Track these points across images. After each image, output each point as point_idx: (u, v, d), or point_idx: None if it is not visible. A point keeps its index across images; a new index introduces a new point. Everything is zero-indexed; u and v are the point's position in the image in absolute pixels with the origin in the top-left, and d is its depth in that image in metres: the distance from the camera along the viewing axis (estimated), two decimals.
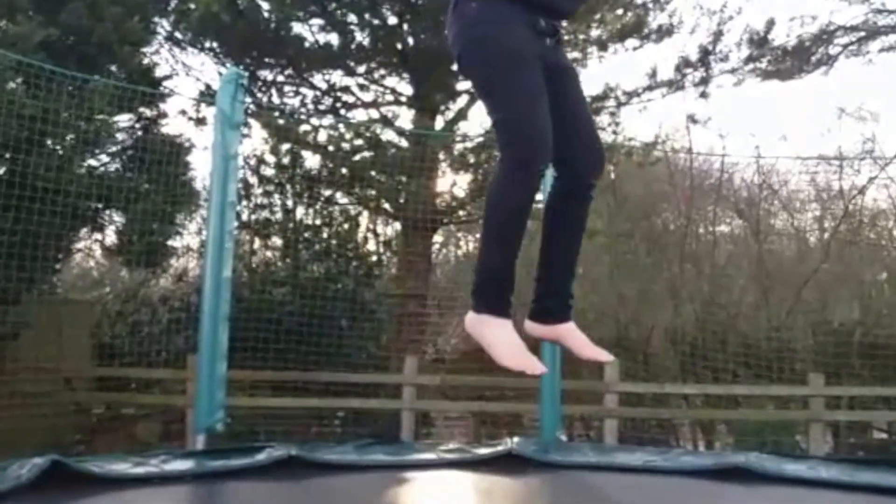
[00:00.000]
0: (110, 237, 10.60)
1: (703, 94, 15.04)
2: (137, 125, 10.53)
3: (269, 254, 13.30)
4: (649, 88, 14.92)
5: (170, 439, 10.94)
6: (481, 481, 6.12)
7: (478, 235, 18.93)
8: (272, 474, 6.03)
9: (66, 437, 10.05)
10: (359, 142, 14.08)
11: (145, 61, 11.31)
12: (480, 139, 14.51)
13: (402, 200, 13.64)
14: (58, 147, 9.03)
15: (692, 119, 15.53)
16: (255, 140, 14.25)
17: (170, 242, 10.77)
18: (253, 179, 13.25)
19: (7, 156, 8.83)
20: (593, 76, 20.68)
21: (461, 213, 14.94)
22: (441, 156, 14.16)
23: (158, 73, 11.78)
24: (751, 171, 18.10)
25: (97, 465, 5.60)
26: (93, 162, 10.08)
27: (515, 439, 7.02)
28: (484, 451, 6.78)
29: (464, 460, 6.53)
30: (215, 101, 8.34)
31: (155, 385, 11.24)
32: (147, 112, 10.61)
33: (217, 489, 5.78)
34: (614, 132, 15.31)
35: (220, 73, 14.02)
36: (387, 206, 14.14)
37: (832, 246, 16.03)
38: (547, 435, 8.14)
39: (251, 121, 13.11)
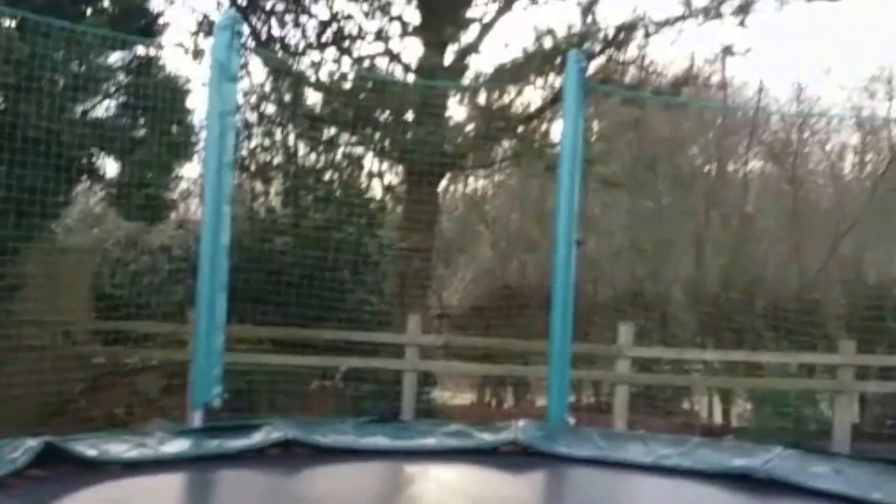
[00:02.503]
0: (108, 188, 10.83)
1: (742, 24, 14.58)
2: (132, 64, 10.68)
3: (270, 199, 13.51)
4: (682, 18, 14.65)
5: (171, 392, 11.38)
6: (482, 473, 6.46)
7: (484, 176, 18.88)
8: (269, 458, 6.41)
9: (68, 390, 10.44)
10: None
11: None
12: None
13: (407, 141, 13.66)
14: (52, 91, 9.23)
15: (729, 51, 15.32)
16: (255, 76, 14.35)
17: (169, 195, 11.00)
18: (253, 118, 13.52)
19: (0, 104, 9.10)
20: (619, 4, 20.35)
21: (470, 157, 14.99)
22: (451, 93, 14.23)
23: (152, 6, 11.89)
24: (789, 108, 18.08)
25: (92, 446, 5.97)
26: (87, 107, 10.26)
27: (521, 423, 7.34)
28: (487, 436, 7.12)
29: (466, 448, 6.87)
30: (212, 33, 8.54)
31: (156, 337, 11.61)
32: (142, 50, 10.77)
33: (212, 474, 6.15)
34: (641, 66, 15.31)
35: (218, 2, 14.19)
36: (391, 148, 14.22)
37: (876, 191, 16.10)
38: (554, 416, 8.41)
39: (250, 56, 13.22)
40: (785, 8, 14.90)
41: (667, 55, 21.11)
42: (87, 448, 5.91)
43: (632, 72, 15.62)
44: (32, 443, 5.62)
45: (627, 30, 14.67)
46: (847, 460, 6.74)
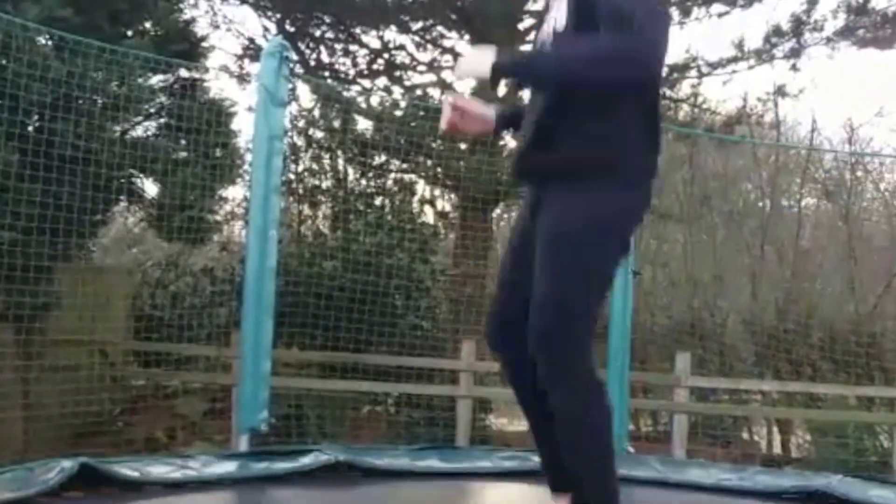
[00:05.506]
0: (147, 209, 10.59)
1: (794, 67, 14.57)
2: (175, 86, 10.43)
3: (319, 223, 13.30)
4: (734, 59, 14.57)
5: (214, 417, 11.10)
6: (538, 493, 6.07)
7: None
8: (318, 479, 6.00)
9: (105, 412, 10.12)
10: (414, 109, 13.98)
11: (183, 17, 11.17)
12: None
13: (460, 170, 13.45)
14: (88, 111, 8.95)
15: (781, 92, 15.16)
16: (303, 100, 14.20)
17: (211, 217, 10.72)
18: (300, 142, 13.28)
19: (35, 122, 8.84)
20: (672, 44, 20.19)
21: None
22: None
23: (197, 29, 11.63)
24: (842, 148, 17.90)
25: (131, 467, 5.57)
26: (125, 128, 10.02)
27: None
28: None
29: (522, 470, 6.47)
30: (258, 59, 8.32)
31: (198, 360, 11.27)
32: (185, 73, 10.50)
33: (258, 495, 5.74)
34: (694, 105, 15.07)
35: (265, 28, 13.99)
36: (444, 176, 14.03)
37: None
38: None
39: (298, 82, 13.03)
40: (836, 53, 14.89)
41: (720, 94, 21.05)
42: (126, 469, 5.50)
43: (685, 109, 15.50)
44: (67, 463, 5.19)
45: (680, 69, 14.69)
46: None
